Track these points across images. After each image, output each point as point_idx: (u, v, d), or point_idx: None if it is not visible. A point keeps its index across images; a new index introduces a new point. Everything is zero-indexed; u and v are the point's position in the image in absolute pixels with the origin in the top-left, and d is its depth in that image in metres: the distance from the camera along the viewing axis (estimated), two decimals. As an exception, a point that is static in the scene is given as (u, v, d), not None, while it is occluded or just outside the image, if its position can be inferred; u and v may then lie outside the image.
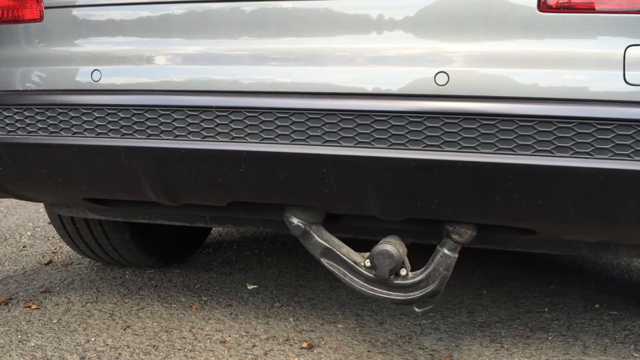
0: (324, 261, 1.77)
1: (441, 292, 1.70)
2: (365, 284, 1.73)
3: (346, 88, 1.52)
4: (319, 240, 1.76)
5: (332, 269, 1.77)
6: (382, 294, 1.72)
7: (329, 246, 1.76)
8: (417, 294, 1.69)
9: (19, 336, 2.02)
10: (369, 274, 1.72)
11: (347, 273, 1.75)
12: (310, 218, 1.76)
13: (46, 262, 2.87)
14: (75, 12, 1.73)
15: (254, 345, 1.96)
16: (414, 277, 1.69)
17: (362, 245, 1.82)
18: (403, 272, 1.70)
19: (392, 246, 1.67)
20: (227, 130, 1.57)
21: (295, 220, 1.75)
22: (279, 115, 1.53)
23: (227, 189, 1.69)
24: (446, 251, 1.65)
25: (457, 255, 1.65)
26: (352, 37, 1.52)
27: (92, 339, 2.00)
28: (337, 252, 1.75)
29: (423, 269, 1.68)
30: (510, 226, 1.62)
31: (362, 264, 1.73)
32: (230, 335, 2.04)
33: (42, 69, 1.76)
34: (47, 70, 1.75)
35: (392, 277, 1.69)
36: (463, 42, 1.45)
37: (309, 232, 1.76)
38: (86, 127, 1.68)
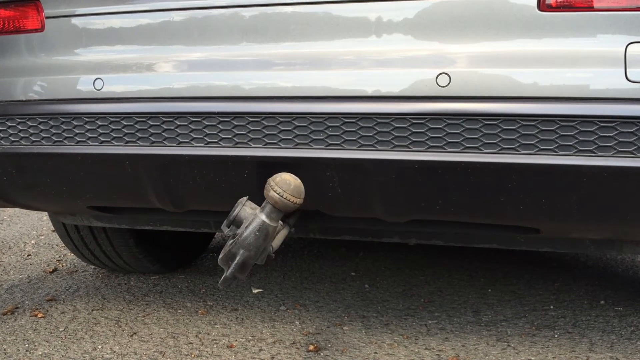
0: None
1: (248, 268, 1.52)
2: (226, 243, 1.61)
3: (348, 91, 1.52)
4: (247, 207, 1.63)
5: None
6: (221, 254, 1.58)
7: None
8: (221, 255, 1.55)
9: (26, 345, 2.03)
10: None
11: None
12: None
13: (51, 270, 2.87)
14: (76, 21, 1.74)
15: (260, 350, 1.96)
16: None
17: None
18: (239, 231, 1.54)
19: (250, 203, 1.56)
20: (230, 136, 1.58)
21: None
22: (281, 119, 1.53)
23: (231, 194, 1.69)
24: (263, 217, 1.50)
25: (276, 225, 1.48)
26: (352, 40, 1.53)
27: (99, 347, 2.00)
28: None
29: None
30: (514, 225, 1.63)
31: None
32: (236, 340, 2.04)
33: (44, 79, 1.76)
34: (49, 80, 1.76)
35: (230, 228, 1.57)
36: (464, 43, 1.45)
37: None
38: (89, 135, 1.69)
